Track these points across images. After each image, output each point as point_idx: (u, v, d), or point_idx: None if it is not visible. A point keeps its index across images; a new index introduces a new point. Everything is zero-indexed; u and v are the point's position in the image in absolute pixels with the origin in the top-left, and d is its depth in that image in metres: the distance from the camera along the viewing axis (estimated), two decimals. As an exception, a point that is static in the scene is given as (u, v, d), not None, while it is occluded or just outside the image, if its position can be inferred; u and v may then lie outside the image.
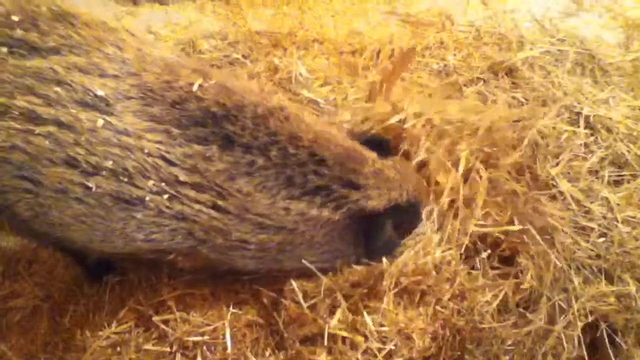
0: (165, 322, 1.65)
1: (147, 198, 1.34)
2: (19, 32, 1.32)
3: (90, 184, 1.31)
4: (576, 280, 1.69)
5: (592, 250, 1.79)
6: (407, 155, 1.89)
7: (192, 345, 1.60)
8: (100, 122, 1.31)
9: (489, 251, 1.74)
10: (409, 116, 1.92)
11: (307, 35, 2.74)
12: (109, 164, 1.31)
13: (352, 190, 1.50)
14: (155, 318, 1.65)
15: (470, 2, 3.10)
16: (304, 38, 2.72)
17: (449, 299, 1.62)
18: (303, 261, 1.57)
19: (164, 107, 1.37)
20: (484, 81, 2.46)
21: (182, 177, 1.35)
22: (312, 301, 1.59)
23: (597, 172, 2.04)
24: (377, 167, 1.58)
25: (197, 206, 1.38)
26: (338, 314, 1.55)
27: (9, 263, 1.95)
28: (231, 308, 1.66)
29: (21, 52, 1.32)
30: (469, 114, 1.99)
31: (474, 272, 1.72)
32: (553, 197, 1.92)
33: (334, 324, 1.53)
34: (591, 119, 2.19)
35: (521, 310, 1.67)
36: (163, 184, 1.35)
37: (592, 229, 1.84)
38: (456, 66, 2.57)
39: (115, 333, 1.67)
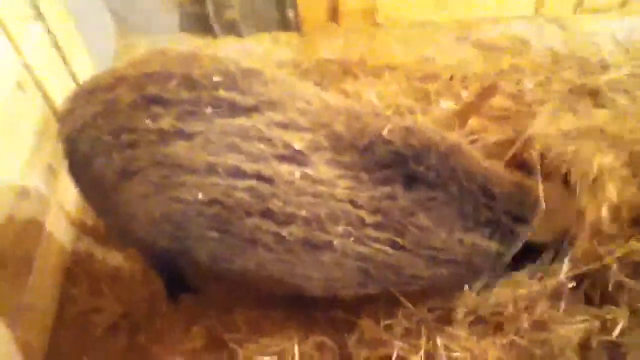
0: (235, 341, 1.65)
1: (335, 242, 1.37)
2: (221, 92, 1.38)
3: (283, 233, 1.35)
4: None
5: None
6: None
7: (261, 365, 1.59)
8: (297, 173, 1.35)
9: (574, 283, 1.63)
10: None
11: (378, 62, 2.76)
12: (302, 212, 1.35)
13: (517, 224, 1.48)
14: (226, 336, 1.66)
15: (546, 26, 3.02)
16: (374, 65, 2.74)
17: (526, 330, 1.52)
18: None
19: (354, 154, 1.40)
20: (566, 103, 2.36)
21: (367, 219, 1.38)
22: (388, 322, 1.56)
23: None
24: (541, 199, 1.53)
25: (376, 245, 1.40)
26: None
27: (93, 280, 2.03)
28: (301, 331, 1.64)
29: (225, 111, 1.37)
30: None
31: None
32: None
33: (405, 346, 1.48)
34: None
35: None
36: (350, 227, 1.37)
37: None
38: (533, 90, 2.49)
39: (186, 350, 1.70)
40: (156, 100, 1.35)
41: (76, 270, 2.05)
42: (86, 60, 2.52)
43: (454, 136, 1.56)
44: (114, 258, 2.04)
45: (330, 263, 1.39)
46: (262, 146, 1.34)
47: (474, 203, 1.43)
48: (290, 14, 3.03)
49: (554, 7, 3.09)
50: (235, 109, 1.37)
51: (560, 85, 2.49)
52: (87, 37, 2.57)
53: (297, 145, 1.36)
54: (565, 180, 1.75)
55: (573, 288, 1.64)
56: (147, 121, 1.34)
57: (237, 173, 1.33)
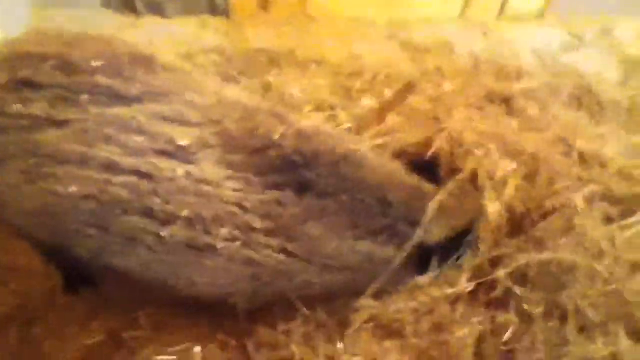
0: (136, 339, 1.60)
1: (220, 245, 1.31)
2: (101, 79, 1.29)
3: (163, 233, 1.27)
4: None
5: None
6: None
7: (161, 364, 1.56)
8: (180, 171, 1.28)
9: (472, 287, 1.68)
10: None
11: (306, 55, 2.74)
12: (184, 213, 1.28)
13: (414, 228, 1.50)
14: (125, 334, 1.61)
15: (470, 31, 3.12)
16: (302, 58, 2.73)
17: (427, 331, 1.58)
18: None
19: (244, 155, 1.35)
20: (480, 108, 2.44)
21: (256, 224, 1.33)
22: (287, 326, 1.55)
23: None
24: (437, 199, 1.56)
25: (266, 251, 1.35)
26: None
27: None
28: (203, 330, 1.62)
29: (103, 99, 1.29)
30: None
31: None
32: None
33: (305, 350, 1.49)
34: (585, 152, 2.17)
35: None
36: (237, 231, 1.32)
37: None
38: (452, 93, 2.56)
39: (83, 346, 1.63)
40: (28, 84, 1.26)
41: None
42: (-6, 34, 2.35)
43: (351, 143, 1.54)
44: (9, 247, 1.92)
45: (216, 267, 1.34)
46: (141, 140, 1.27)
47: (367, 212, 1.43)
48: (220, 0, 2.96)
49: (479, 13, 3.19)
50: (114, 98, 1.29)
51: (477, 89, 2.57)
52: (-3, 6, 2.40)
53: (182, 141, 1.29)
54: (473, 179, 1.81)
55: (470, 292, 1.69)
56: (18, 105, 1.24)
57: (113, 167, 1.25)
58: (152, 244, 1.29)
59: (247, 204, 1.32)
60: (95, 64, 1.30)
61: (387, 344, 1.54)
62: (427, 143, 2.03)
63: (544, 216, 1.85)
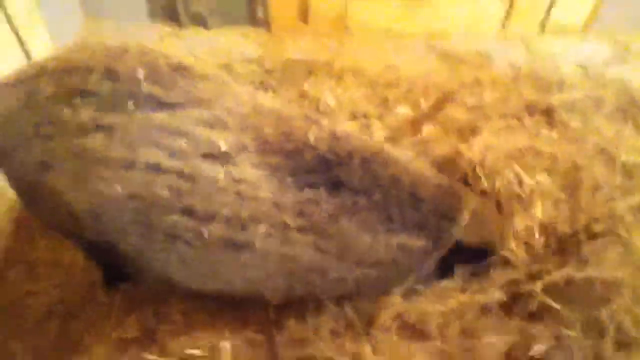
0: (167, 333, 1.64)
1: (256, 242, 1.38)
2: (145, 87, 1.36)
3: (203, 231, 1.35)
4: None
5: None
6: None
7: (190, 359, 1.58)
8: (220, 173, 1.35)
9: (504, 297, 1.66)
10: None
11: (343, 65, 2.77)
12: (224, 211, 1.35)
13: (444, 221, 1.53)
14: (159, 328, 1.65)
15: (511, 43, 3.08)
16: (339, 68, 2.75)
17: (454, 336, 1.55)
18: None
19: (280, 158, 1.41)
20: (519, 119, 2.40)
21: (290, 222, 1.39)
22: (316, 322, 1.57)
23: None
24: (473, 204, 1.60)
25: (299, 248, 1.41)
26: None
27: (32, 264, 1.98)
28: (233, 325, 1.63)
29: (147, 105, 1.35)
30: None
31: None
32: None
33: (331, 347, 1.49)
34: (628, 164, 2.09)
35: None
36: (272, 229, 1.38)
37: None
38: (490, 103, 2.53)
39: (119, 340, 1.68)
40: (76, 93, 1.33)
41: (14, 254, 2.00)
42: (45, 42, 2.46)
43: (379, 143, 1.60)
44: (55, 244, 1.99)
45: (252, 264, 1.39)
46: (184, 143, 1.33)
47: (400, 207, 1.46)
48: (260, 13, 3.02)
49: (520, 26, 3.15)
50: (157, 104, 1.35)
51: (517, 101, 2.53)
52: (48, 18, 2.51)
53: (222, 145, 1.35)
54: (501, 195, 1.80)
55: (504, 304, 1.66)
56: (66, 112, 1.31)
57: (157, 168, 1.32)
58: (192, 241, 1.35)
59: (283, 203, 1.37)
60: (139, 72, 1.37)
61: (413, 345, 1.53)
62: (459, 155, 2.02)
63: (587, 229, 1.80)
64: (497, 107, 2.50)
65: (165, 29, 3.05)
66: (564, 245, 1.78)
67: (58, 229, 1.66)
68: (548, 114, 2.45)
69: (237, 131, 1.39)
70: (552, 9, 3.07)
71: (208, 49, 2.92)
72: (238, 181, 1.35)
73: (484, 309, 1.64)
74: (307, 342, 1.54)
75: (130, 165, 1.31)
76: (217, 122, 1.38)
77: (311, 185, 1.41)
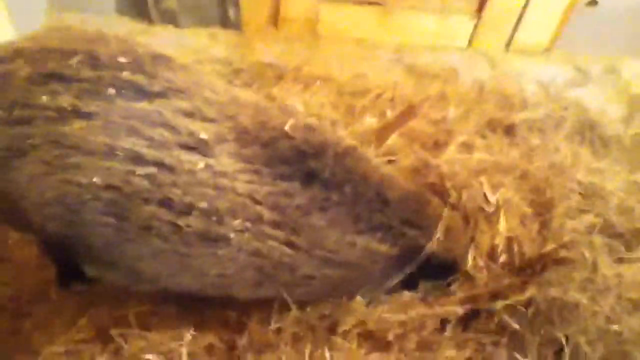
0: (123, 336, 1.60)
1: (232, 236, 1.36)
2: (126, 74, 1.33)
3: (180, 223, 1.32)
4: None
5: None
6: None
7: (145, 363, 1.55)
8: (200, 164, 1.32)
9: (462, 311, 1.68)
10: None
11: (312, 72, 2.78)
12: (202, 204, 1.32)
13: (410, 229, 1.54)
14: (113, 331, 1.60)
15: (477, 60, 3.15)
16: (308, 74, 2.76)
17: (414, 349, 1.57)
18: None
19: (257, 147, 1.40)
20: (482, 136, 2.46)
21: (265, 215, 1.38)
22: (277, 325, 1.57)
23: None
24: (439, 212, 1.61)
25: (271, 242, 1.40)
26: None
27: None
28: (192, 330, 1.61)
29: (129, 94, 1.32)
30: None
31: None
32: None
33: (292, 352, 1.50)
34: (585, 184, 2.16)
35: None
36: (247, 222, 1.36)
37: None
38: (454, 119, 2.58)
39: (71, 341, 1.63)
40: (55, 77, 1.29)
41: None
42: (10, 34, 2.38)
43: (350, 140, 1.59)
44: (4, 240, 1.93)
45: (226, 257, 1.38)
46: (165, 133, 1.31)
47: (368, 206, 1.47)
48: (232, 13, 3.00)
49: (486, 43, 3.23)
50: (139, 93, 1.32)
51: (479, 117, 2.59)
52: (13, 10, 2.44)
53: (203, 135, 1.33)
54: (466, 210, 1.82)
55: (462, 318, 1.69)
56: (44, 97, 1.27)
57: (137, 158, 1.29)
58: (168, 234, 1.33)
59: (258, 196, 1.37)
60: (120, 60, 1.34)
61: (371, 356, 1.54)
62: (425, 167, 2.05)
63: (550, 251, 1.83)
64: (461, 122, 2.55)
65: (134, 24, 3.00)
66: (527, 265, 1.81)
67: (13, 221, 1.59)
68: (510, 131, 2.52)
69: (215, 121, 1.38)
70: (518, 29, 3.16)
71: (176, 47, 2.89)
72: (217, 173, 1.33)
73: (443, 323, 1.66)
74: (269, 347, 1.53)
75: (109, 154, 1.27)
76: (196, 112, 1.36)
77: (285, 177, 1.40)
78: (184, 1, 2.92)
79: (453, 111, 2.63)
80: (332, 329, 1.60)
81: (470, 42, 3.25)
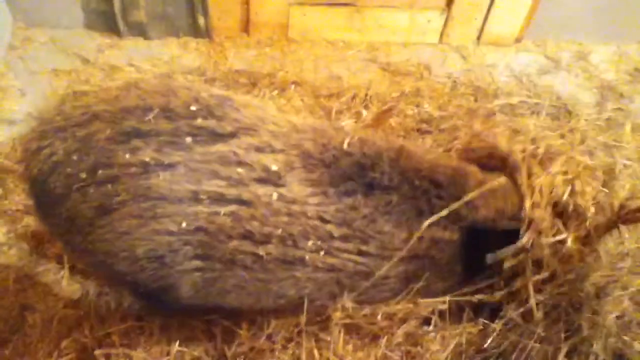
0: (107, 356, 1.58)
1: (307, 257, 1.45)
2: (199, 121, 1.39)
3: (260, 252, 1.41)
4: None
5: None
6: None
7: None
8: (274, 195, 1.40)
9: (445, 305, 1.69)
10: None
11: (287, 76, 2.77)
12: (278, 232, 1.41)
13: (466, 207, 1.57)
14: (97, 352, 1.59)
15: (449, 55, 3.17)
16: (282, 79, 2.75)
17: (399, 343, 1.57)
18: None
19: (322, 169, 1.48)
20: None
21: (335, 232, 1.46)
22: (268, 331, 1.59)
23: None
24: (481, 178, 1.64)
25: (344, 255, 1.48)
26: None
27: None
28: (177, 345, 1.59)
29: (204, 139, 1.39)
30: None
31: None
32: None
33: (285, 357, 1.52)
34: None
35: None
36: (319, 241, 1.45)
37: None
38: (430, 113, 2.59)
39: (54, 364, 1.59)
40: (134, 134, 1.35)
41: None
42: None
43: (397, 139, 1.68)
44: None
45: (303, 278, 1.47)
46: (241, 170, 1.39)
47: (426, 197, 1.54)
48: (201, 21, 2.97)
49: (457, 39, 3.25)
50: (213, 136, 1.40)
51: (455, 109, 2.60)
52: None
53: (274, 167, 1.41)
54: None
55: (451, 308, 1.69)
56: (127, 155, 1.32)
57: (220, 199, 1.36)
58: (250, 264, 1.42)
59: (327, 215, 1.45)
60: (192, 108, 1.40)
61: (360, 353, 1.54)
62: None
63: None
64: (436, 115, 2.57)
65: (103, 39, 2.95)
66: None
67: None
68: (488, 117, 2.54)
69: (283, 151, 1.46)
70: (487, 21, 3.18)
71: (147, 59, 2.86)
72: (289, 201, 1.41)
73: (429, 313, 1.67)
74: (260, 352, 1.53)
75: (194, 198, 1.35)
76: (265, 146, 1.44)
77: (349, 193, 1.48)
78: (152, 12, 2.87)
79: (428, 105, 2.65)
80: (322, 328, 1.62)
81: (441, 37, 3.26)
